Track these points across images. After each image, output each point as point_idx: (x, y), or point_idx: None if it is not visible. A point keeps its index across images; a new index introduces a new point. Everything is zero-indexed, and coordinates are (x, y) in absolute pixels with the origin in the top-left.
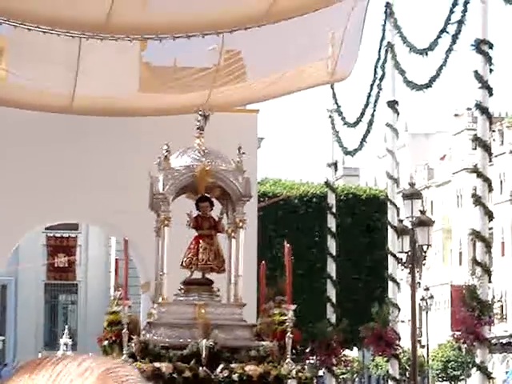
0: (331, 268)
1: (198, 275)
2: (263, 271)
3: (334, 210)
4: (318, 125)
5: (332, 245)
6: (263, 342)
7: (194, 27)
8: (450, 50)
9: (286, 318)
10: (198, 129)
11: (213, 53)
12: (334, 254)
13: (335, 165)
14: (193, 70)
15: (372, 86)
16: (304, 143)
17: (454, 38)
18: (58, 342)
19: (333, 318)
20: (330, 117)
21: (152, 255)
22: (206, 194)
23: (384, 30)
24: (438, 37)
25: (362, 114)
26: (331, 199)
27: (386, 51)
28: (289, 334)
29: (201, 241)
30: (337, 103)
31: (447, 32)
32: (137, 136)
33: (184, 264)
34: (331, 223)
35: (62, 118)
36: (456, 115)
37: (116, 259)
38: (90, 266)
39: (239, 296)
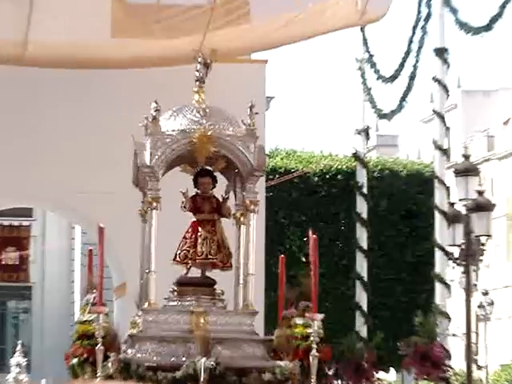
0: (361, 266)
1: (195, 273)
2: (282, 267)
3: (364, 190)
4: (345, 80)
5: (362, 236)
6: (281, 362)
7: None
8: None
9: (311, 330)
10: (196, 81)
11: None
12: (365, 247)
13: (366, 132)
14: (181, 8)
15: (414, 28)
16: (326, 104)
17: None
18: (7, 362)
19: (363, 330)
20: (360, 69)
21: (128, 249)
22: (207, 167)
23: None
24: None
25: (402, 65)
26: (361, 176)
27: None
28: (314, 351)
29: (200, 228)
30: (369, 51)
31: None
32: (113, 93)
33: (178, 258)
34: (361, 208)
35: (10, 71)
36: None
37: (89, 250)
38: (48, 264)
39: (250, 301)
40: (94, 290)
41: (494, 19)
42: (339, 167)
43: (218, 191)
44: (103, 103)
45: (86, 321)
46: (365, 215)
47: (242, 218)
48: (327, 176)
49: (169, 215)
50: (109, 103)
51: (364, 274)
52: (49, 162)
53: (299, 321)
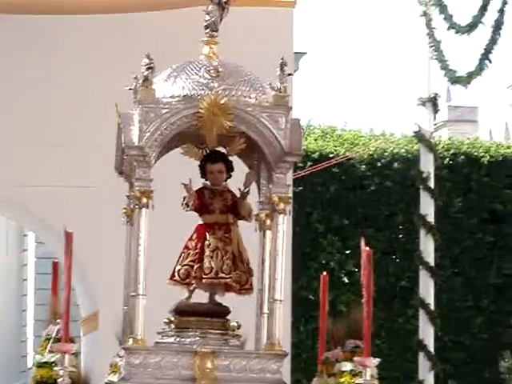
0: (427, 288)
1: (201, 297)
2: (324, 290)
3: (431, 183)
4: (404, 31)
5: (428, 247)
6: None
7: None
8: None
9: (361, 381)
10: (206, 28)
11: None
12: (432, 263)
13: (434, 102)
14: None
15: None
16: (377, 65)
17: None
18: None
19: (429, 379)
20: (426, 15)
21: (103, 265)
22: (220, 149)
23: None
24: None
25: (483, 9)
26: (427, 164)
27: None
28: None
29: (208, 235)
30: None
31: None
32: (88, 47)
33: (177, 277)
34: (427, 207)
35: None
36: None
37: (55, 262)
38: None
39: (276, 338)
40: (58, 320)
41: None
42: (396, 152)
43: (234, 184)
44: (74, 61)
45: (46, 362)
46: (431, 218)
47: (268, 221)
48: (379, 164)
49: (164, 216)
50: (83, 61)
51: (430, 300)
52: None
53: (346, 367)
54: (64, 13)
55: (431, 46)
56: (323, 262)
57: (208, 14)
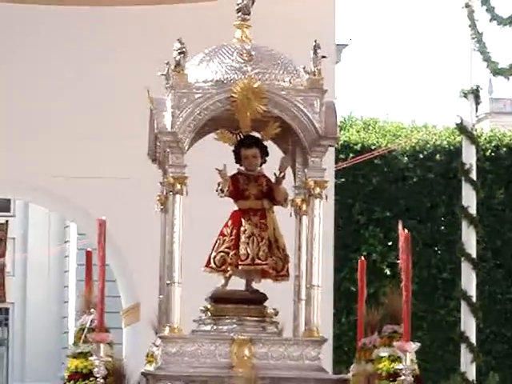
0: (469, 280)
1: (238, 284)
2: (362, 275)
3: (473, 175)
4: (446, 23)
5: (470, 239)
6: None
7: None
8: None
9: (400, 366)
10: (238, 11)
11: None
12: (474, 255)
13: (476, 94)
14: None
15: None
16: (419, 57)
17: None
18: None
19: (471, 371)
20: (468, 7)
21: (143, 256)
22: (254, 134)
23: None
24: None
25: None
26: (469, 156)
27: None
28: None
29: (244, 221)
30: None
31: None
32: (119, 36)
33: (212, 264)
34: (469, 200)
35: None
36: None
37: (88, 251)
38: (32, 278)
39: (315, 324)
40: (92, 310)
41: None
42: (438, 143)
43: (269, 169)
44: (107, 53)
45: (80, 353)
46: (474, 210)
47: (304, 206)
48: (421, 155)
49: (198, 202)
50: (116, 53)
51: (472, 292)
52: (32, 132)
53: (384, 352)
54: (92, 4)
55: (473, 38)
56: (365, 253)
57: None
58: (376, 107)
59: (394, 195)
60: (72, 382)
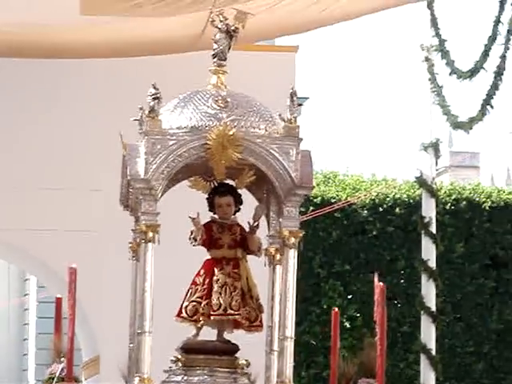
0: (428, 333)
1: (209, 334)
2: (336, 324)
3: (433, 228)
4: (406, 76)
5: (430, 292)
6: None
7: None
8: None
9: None
10: (214, 57)
11: None
12: (434, 308)
13: (436, 148)
14: None
15: (502, 4)
16: (379, 110)
17: None
18: None
19: None
20: (427, 60)
21: (101, 309)
22: (228, 181)
23: None
24: None
25: (485, 54)
26: (429, 210)
27: None
28: None
29: (217, 270)
30: (439, 36)
31: None
32: (91, 87)
33: (184, 314)
34: (429, 253)
35: None
36: None
37: (58, 298)
38: None
39: (287, 376)
40: (62, 359)
41: None
42: (397, 197)
43: (243, 217)
44: (79, 101)
45: None
46: (433, 264)
47: (278, 256)
48: (381, 209)
49: (171, 251)
50: (86, 101)
51: (432, 345)
52: None
53: None
54: (65, 57)
55: (433, 92)
56: (325, 306)
57: (216, 42)
58: (336, 161)
59: (354, 248)
60: None
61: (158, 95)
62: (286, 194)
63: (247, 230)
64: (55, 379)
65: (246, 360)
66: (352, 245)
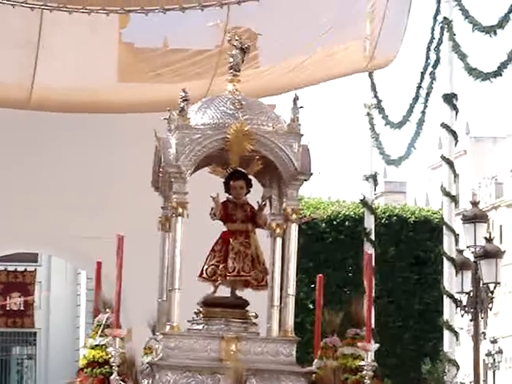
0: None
1: (224, 292)
2: (320, 288)
3: (372, 236)
4: (352, 126)
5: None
6: None
7: None
8: None
9: (362, 363)
10: (230, 69)
11: (215, 30)
12: (373, 294)
13: (374, 178)
14: (188, 52)
15: (423, 74)
16: (333, 149)
17: None
18: None
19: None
20: (368, 115)
21: (136, 297)
22: (240, 169)
23: (439, 2)
24: (510, 10)
25: (410, 111)
26: (369, 223)
27: (442, 29)
28: None
29: (231, 240)
30: (377, 97)
31: None
32: (116, 137)
33: (205, 275)
34: None
35: (15, 114)
36: None
37: (98, 262)
38: (53, 310)
39: (289, 326)
40: (107, 310)
41: (504, 65)
42: (347, 213)
43: (253, 197)
44: (112, 148)
45: (97, 345)
46: (373, 262)
47: (278, 230)
48: (335, 222)
49: (194, 224)
50: (117, 148)
51: (371, 321)
52: (52, 205)
53: (348, 351)
54: (103, 112)
55: (372, 137)
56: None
57: (232, 57)
58: (302, 186)
59: (316, 251)
60: (89, 369)
61: (187, 97)
62: (289, 179)
63: (256, 208)
64: (102, 326)
65: (255, 313)
66: (314, 248)
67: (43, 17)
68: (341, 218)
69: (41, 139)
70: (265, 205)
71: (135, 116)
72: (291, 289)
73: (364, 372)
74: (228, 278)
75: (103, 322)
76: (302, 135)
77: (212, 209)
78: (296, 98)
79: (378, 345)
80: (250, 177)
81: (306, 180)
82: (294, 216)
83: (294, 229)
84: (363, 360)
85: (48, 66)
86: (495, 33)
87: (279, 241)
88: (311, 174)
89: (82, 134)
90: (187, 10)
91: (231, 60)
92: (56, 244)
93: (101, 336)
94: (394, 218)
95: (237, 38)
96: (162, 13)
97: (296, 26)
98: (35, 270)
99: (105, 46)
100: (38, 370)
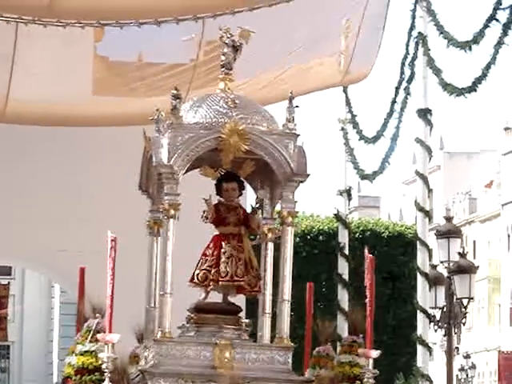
0: (342, 327)
1: (216, 298)
2: (310, 296)
3: (346, 251)
4: (326, 140)
5: (343, 297)
6: None
7: (165, 10)
8: (500, 44)
9: (362, 371)
10: (222, 67)
11: (189, 44)
12: (346, 309)
13: (348, 193)
14: (163, 66)
15: (397, 89)
16: (307, 164)
17: (506, 28)
18: None
19: None
20: (343, 129)
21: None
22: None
23: (414, 17)
24: (486, 26)
25: (384, 126)
26: (343, 237)
27: (417, 44)
28: None
29: (224, 243)
30: (351, 112)
31: (497, 20)
32: (97, 150)
33: (196, 280)
34: (343, 269)
35: None
36: (507, 129)
37: (81, 268)
38: (27, 323)
39: (284, 333)
40: (97, 315)
41: (478, 81)
42: (321, 228)
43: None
44: (87, 161)
45: (87, 351)
46: (346, 276)
47: (269, 234)
48: (308, 237)
49: (184, 227)
50: (93, 161)
51: (345, 334)
52: (26, 218)
53: (345, 359)
54: (71, 125)
55: (346, 152)
56: None
57: (224, 55)
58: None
59: None
60: (78, 376)
61: (180, 95)
62: (285, 180)
63: (249, 210)
64: (92, 332)
65: (249, 319)
66: None
67: (18, 30)
68: (315, 232)
69: (15, 152)
70: (259, 208)
71: (110, 129)
72: (287, 294)
73: (365, 380)
74: (220, 282)
75: (93, 328)
76: (298, 135)
77: (204, 211)
78: (291, 98)
79: (379, 351)
80: (243, 179)
81: (302, 182)
82: (290, 219)
83: (289, 232)
84: (361, 368)
85: (23, 79)
86: (470, 48)
87: (271, 246)
88: (308, 176)
89: (56, 147)
90: (162, 24)
91: (223, 58)
92: (30, 257)
93: (90, 342)
94: (368, 232)
95: (228, 36)
96: (137, 27)
97: (271, 40)
98: (9, 283)
99: (80, 60)
100: (12, 383)
